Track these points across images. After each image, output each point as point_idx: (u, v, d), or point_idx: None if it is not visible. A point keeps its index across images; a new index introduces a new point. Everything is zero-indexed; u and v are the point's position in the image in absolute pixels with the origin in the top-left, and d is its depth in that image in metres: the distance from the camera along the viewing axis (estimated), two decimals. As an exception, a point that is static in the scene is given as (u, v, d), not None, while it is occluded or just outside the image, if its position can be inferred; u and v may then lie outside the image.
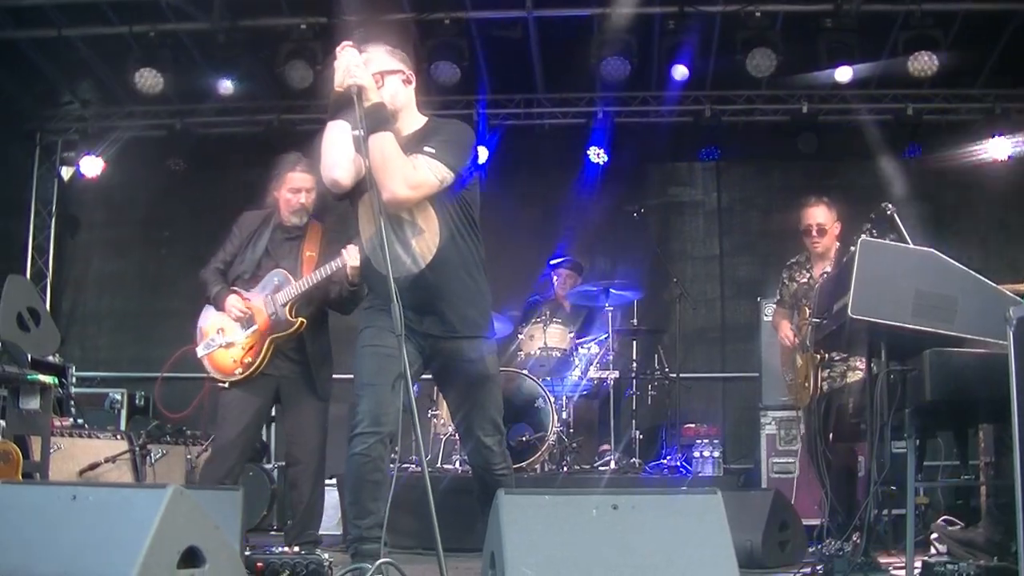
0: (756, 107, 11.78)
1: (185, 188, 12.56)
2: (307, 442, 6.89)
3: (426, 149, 5.11)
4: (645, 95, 11.78)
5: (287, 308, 6.77)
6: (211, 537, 3.92)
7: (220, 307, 6.86)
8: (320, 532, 7.93)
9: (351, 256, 6.46)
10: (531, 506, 3.66)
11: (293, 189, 6.93)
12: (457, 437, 8.37)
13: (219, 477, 6.60)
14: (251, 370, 6.75)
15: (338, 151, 5.17)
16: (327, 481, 9.60)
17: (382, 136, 5.03)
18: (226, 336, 6.84)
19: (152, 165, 12.35)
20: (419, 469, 9.11)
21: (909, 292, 5.27)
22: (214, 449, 6.96)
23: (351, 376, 5.18)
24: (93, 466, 8.28)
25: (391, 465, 5.13)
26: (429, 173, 5.08)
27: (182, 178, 12.36)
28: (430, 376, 5.65)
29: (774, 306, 8.44)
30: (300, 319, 6.79)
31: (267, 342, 6.76)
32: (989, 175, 11.54)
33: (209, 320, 6.98)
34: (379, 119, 5.05)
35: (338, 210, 6.25)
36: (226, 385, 6.81)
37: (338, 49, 5.07)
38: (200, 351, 6.93)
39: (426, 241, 5.19)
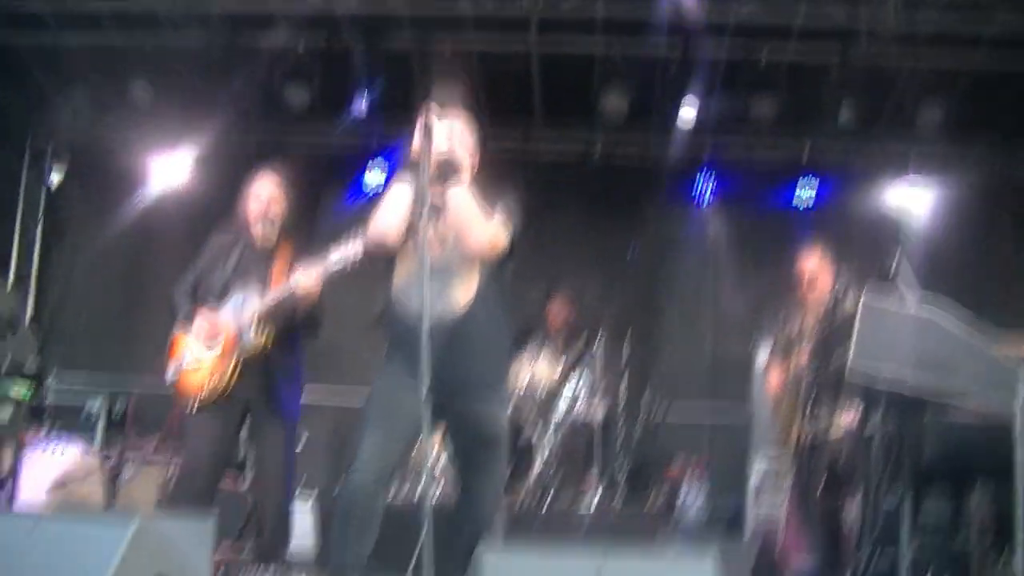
0: (756, 152, 11.69)
1: (174, 200, 12.44)
2: (270, 466, 6.72)
3: (496, 216, 5.26)
4: (643, 134, 11.67)
5: (253, 326, 6.61)
6: (178, 569, 3.78)
7: (188, 329, 6.71)
8: (295, 552, 7.78)
9: (297, 280, 6.46)
10: (516, 568, 3.51)
11: (260, 198, 6.83)
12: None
13: (188, 501, 6.41)
14: (217, 393, 6.56)
15: (395, 215, 5.24)
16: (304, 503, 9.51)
17: (462, 192, 5.19)
18: (193, 357, 6.68)
19: (141, 177, 12.20)
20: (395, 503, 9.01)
21: (910, 354, 5.17)
22: (182, 473, 6.81)
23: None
24: (64, 481, 8.13)
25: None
26: (501, 236, 5.25)
27: (170, 189, 12.25)
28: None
29: (768, 353, 8.34)
30: (265, 335, 6.63)
31: (233, 362, 6.58)
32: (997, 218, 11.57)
33: (179, 343, 6.80)
34: (452, 171, 5.19)
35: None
36: (192, 409, 6.63)
37: (423, 116, 5.10)
38: (169, 376, 6.74)
39: (463, 292, 5.25)
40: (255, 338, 6.61)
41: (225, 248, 6.90)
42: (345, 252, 6.40)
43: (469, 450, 5.35)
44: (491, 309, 5.34)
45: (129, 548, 3.52)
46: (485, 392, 5.32)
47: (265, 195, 6.87)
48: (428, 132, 5.01)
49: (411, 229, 5.23)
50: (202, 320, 6.66)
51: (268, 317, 6.64)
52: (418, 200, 5.00)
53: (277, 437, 6.77)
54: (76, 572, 3.49)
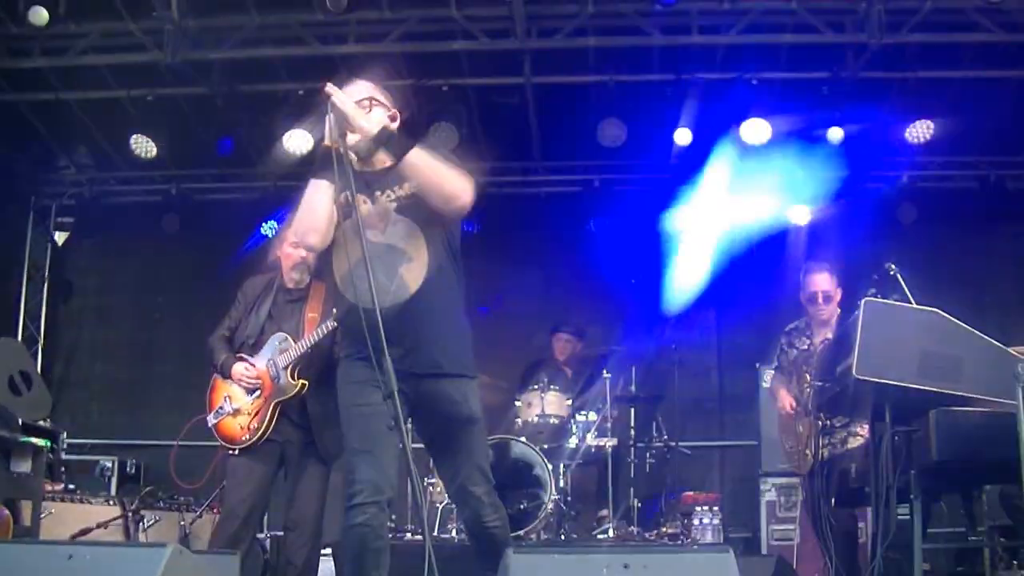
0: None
1: (179, 254, 12.49)
2: (305, 508, 6.75)
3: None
4: (643, 163, 11.73)
5: (288, 371, 6.70)
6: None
7: (227, 375, 6.84)
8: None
9: None
10: (541, 566, 3.55)
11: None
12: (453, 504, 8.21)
13: (224, 543, 6.49)
14: (257, 435, 6.67)
15: (317, 215, 4.85)
16: (323, 551, 9.52)
17: (417, 153, 4.82)
18: (233, 403, 6.81)
19: (146, 231, 12.29)
20: (416, 537, 9.03)
21: (914, 352, 5.24)
22: (221, 517, 6.92)
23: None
24: (85, 531, 8.17)
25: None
26: (468, 186, 4.89)
27: (176, 244, 12.30)
28: (420, 441, 5.34)
29: (772, 373, 8.37)
30: (301, 381, 6.70)
31: (272, 407, 6.69)
32: (983, 241, 11.60)
33: (217, 388, 6.96)
34: (384, 140, 4.84)
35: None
36: (235, 452, 6.73)
37: (322, 94, 4.73)
38: (210, 420, 6.90)
39: (414, 271, 4.88)
40: (291, 383, 6.72)
41: (259, 294, 7.03)
42: None
43: (445, 433, 5.09)
44: (449, 282, 5.06)
45: (162, 576, 3.58)
46: (454, 371, 5.02)
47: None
48: (339, 116, 4.69)
49: (344, 216, 4.85)
50: (241, 366, 6.81)
51: (304, 361, 6.74)
52: (347, 184, 4.66)
53: (313, 481, 6.82)
54: (109, 601, 3.54)
